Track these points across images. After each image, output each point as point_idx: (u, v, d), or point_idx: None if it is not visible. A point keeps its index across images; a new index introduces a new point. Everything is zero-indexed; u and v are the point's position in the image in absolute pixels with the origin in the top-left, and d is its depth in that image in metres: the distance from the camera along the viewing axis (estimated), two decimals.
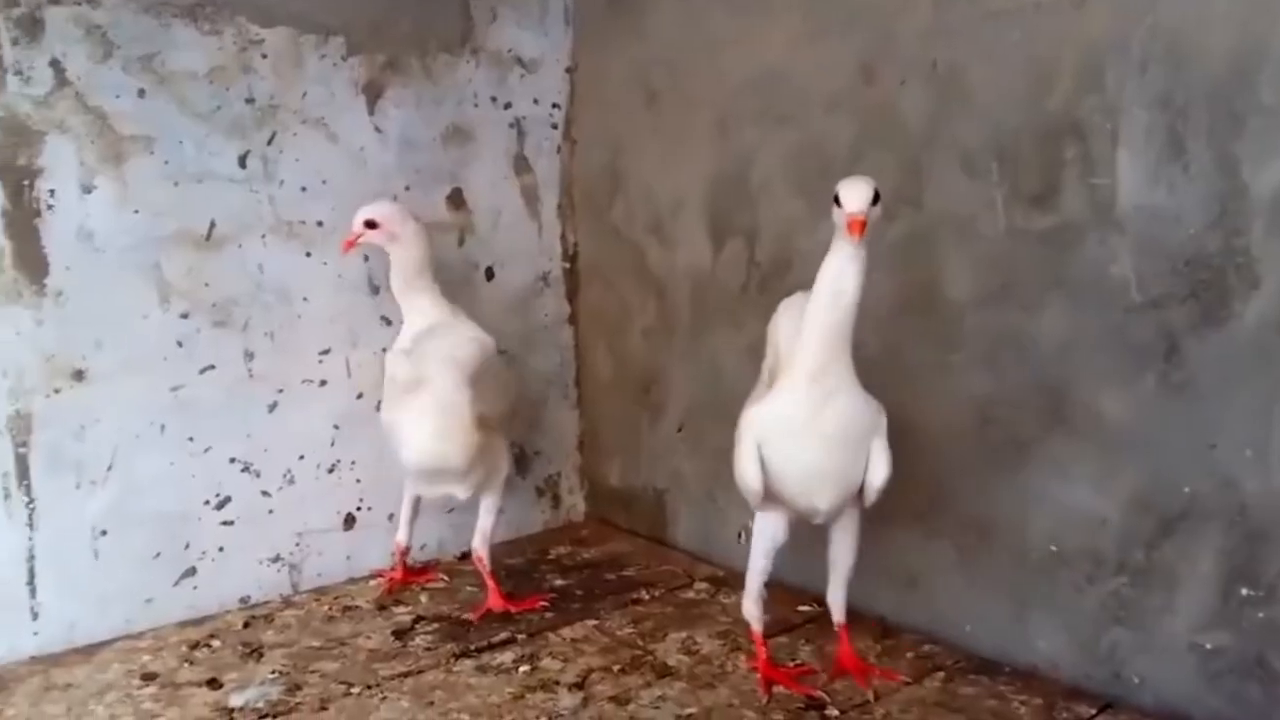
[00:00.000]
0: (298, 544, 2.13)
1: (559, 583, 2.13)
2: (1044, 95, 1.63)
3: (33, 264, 1.78)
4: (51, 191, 1.79)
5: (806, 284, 1.99)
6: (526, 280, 2.40)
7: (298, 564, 2.13)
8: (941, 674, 1.70)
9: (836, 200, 1.47)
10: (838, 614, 1.72)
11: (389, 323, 2.19)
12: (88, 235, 1.83)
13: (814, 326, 1.52)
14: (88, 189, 1.82)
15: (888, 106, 1.83)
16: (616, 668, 1.74)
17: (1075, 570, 1.69)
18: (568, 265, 2.47)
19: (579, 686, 1.68)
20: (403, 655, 1.81)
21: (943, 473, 1.84)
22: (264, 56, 1.98)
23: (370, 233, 1.95)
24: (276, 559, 2.10)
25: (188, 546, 1.99)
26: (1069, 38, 1.59)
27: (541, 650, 1.82)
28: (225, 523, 2.02)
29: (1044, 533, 1.72)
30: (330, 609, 2.02)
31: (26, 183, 1.76)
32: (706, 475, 2.28)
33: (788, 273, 2.03)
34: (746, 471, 1.61)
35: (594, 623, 1.93)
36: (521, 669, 1.75)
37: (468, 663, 1.78)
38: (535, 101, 2.36)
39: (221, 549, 2.02)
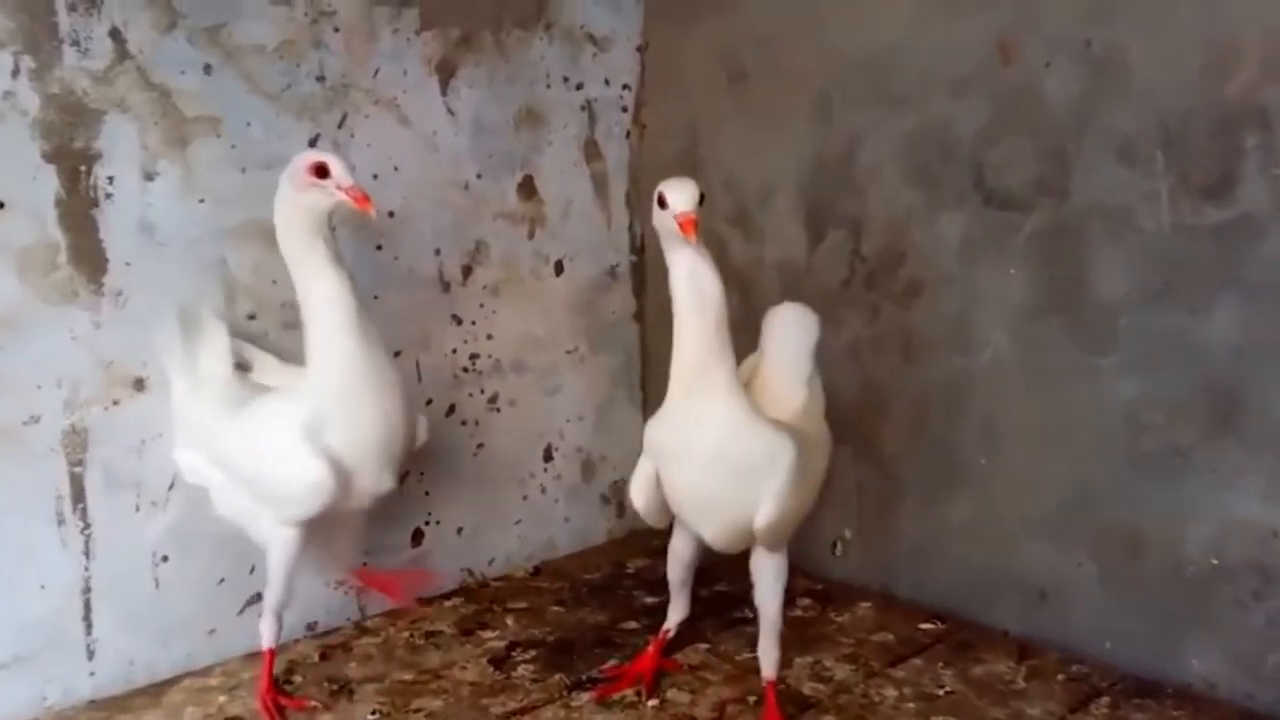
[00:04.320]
0: (365, 563, 1.95)
1: (649, 600, 1.98)
2: (1223, 80, 1.51)
3: (90, 260, 1.58)
4: (110, 179, 1.58)
5: (920, 278, 1.90)
6: (594, 275, 2.23)
7: (364, 586, 1.95)
8: (1106, 699, 1.59)
9: (661, 203, 1.39)
10: (764, 667, 1.56)
11: (460, 322, 2.02)
12: (149, 228, 1.63)
13: (687, 338, 1.43)
14: (149, 176, 1.62)
15: (1028, 89, 1.70)
16: (752, 699, 1.61)
17: (1239, 585, 1.59)
18: (635, 258, 2.31)
19: None
20: (510, 688, 1.66)
21: (1082, 482, 1.73)
22: (335, 30, 1.78)
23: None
24: (343, 581, 1.92)
25: (253, 571, 1.79)
26: (1254, 19, 1.48)
27: (661, 679, 1.67)
28: None
29: (1203, 545, 1.62)
30: (411, 635, 1.85)
31: (84, 168, 1.56)
32: None
33: (899, 266, 1.90)
34: (633, 491, 1.56)
35: (706, 646, 1.79)
36: (650, 703, 1.60)
37: (584, 695, 1.63)
38: (606, 82, 2.20)
39: None
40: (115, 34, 1.56)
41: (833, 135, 1.97)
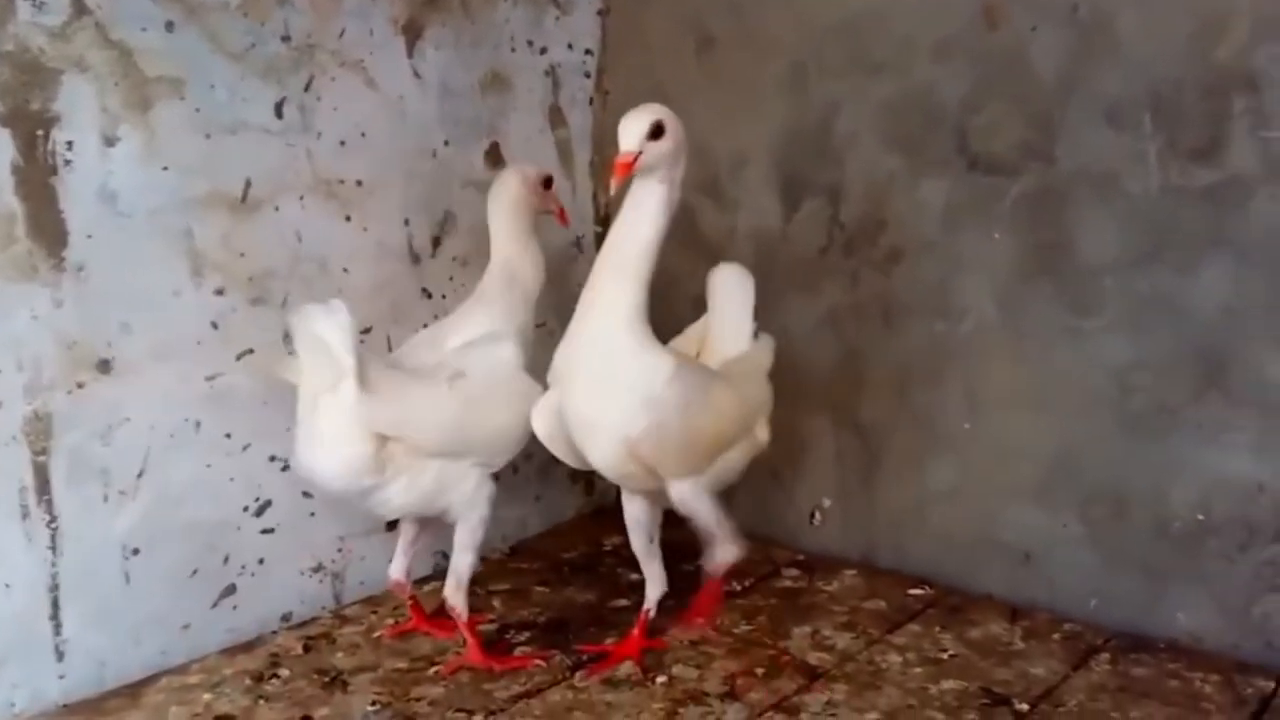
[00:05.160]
0: (340, 550, 1.87)
1: (634, 577, 1.92)
2: (1212, 45, 1.54)
3: (50, 232, 1.46)
4: (69, 144, 1.47)
5: (901, 245, 1.90)
6: (560, 246, 2.17)
7: (340, 572, 1.87)
8: (1104, 655, 1.62)
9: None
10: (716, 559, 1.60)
11: (429, 296, 1.95)
12: (111, 196, 1.52)
13: (601, 264, 1.47)
14: (110, 141, 1.50)
15: (1014, 54, 1.71)
16: (759, 671, 1.59)
17: (1225, 539, 1.64)
18: (599, 229, 2.25)
19: (731, 696, 1.52)
20: (510, 672, 1.60)
21: (1067, 444, 1.76)
22: None
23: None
24: (318, 568, 1.84)
25: (226, 561, 1.71)
26: None
27: (663, 656, 1.64)
28: (265, 530, 1.75)
29: (1189, 502, 1.66)
30: (395, 622, 1.77)
31: (41, 133, 1.44)
32: (767, 453, 2.13)
33: (880, 234, 1.90)
34: (533, 418, 1.56)
35: (701, 620, 1.76)
36: (658, 680, 1.57)
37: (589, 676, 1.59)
38: (569, 47, 2.13)
39: (262, 561, 1.75)
40: None
41: (808, 103, 1.95)
